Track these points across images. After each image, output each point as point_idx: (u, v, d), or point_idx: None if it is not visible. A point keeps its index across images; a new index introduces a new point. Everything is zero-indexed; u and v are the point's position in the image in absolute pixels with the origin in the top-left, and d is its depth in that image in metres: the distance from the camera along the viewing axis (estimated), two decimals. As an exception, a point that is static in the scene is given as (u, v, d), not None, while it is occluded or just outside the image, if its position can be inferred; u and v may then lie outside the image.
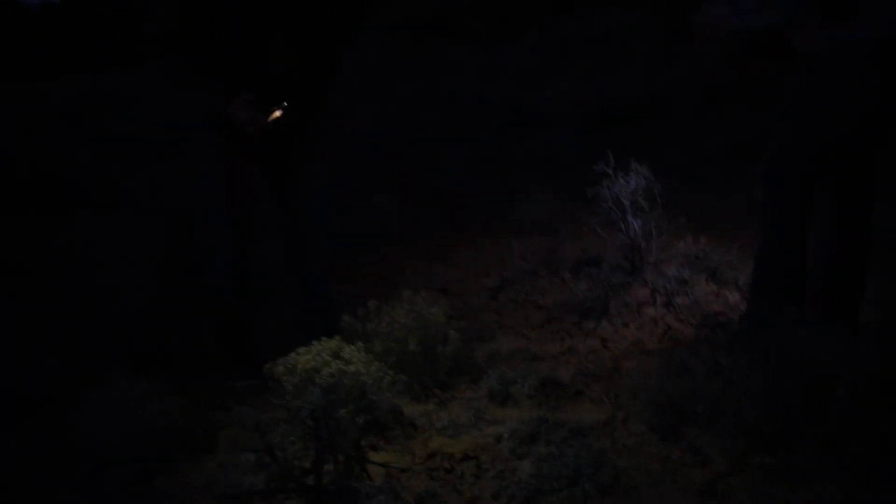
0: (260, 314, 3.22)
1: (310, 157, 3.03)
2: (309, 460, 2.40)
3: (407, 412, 2.72)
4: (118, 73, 6.41)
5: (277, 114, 2.78)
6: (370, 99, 6.05)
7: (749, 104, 5.28)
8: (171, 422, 2.64)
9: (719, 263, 3.52)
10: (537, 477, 2.31)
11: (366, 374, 2.56)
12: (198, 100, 2.89)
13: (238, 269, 3.05)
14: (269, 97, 2.79)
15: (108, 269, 3.56)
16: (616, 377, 2.91)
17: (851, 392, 2.43)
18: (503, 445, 2.51)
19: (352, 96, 5.89)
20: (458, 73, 5.97)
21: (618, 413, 2.65)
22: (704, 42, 4.54)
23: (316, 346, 2.67)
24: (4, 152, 4.60)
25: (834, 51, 2.64)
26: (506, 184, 4.80)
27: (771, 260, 2.90)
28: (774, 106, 2.89)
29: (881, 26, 2.59)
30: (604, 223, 3.58)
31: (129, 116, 5.89)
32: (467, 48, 6.56)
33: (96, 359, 2.97)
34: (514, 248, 4.06)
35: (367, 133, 5.51)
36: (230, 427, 2.66)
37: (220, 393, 2.87)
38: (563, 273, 3.76)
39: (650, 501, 2.22)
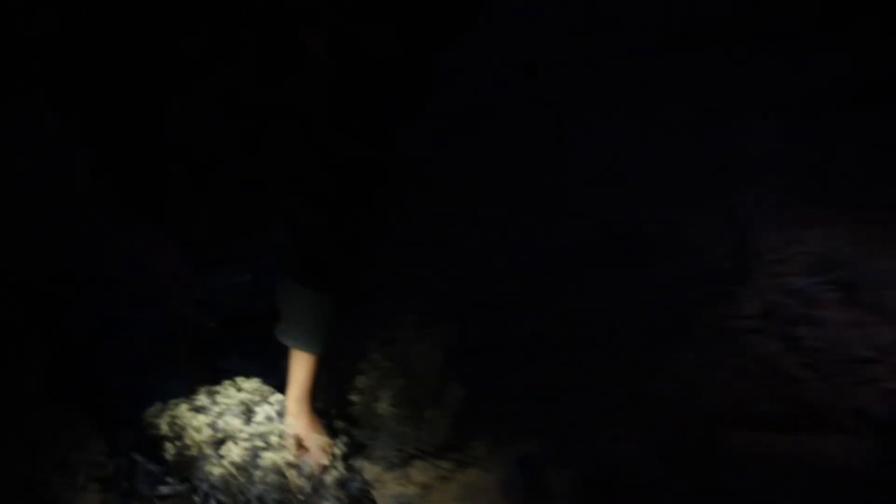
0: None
1: None
2: None
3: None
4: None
5: None
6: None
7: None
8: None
9: (864, 274, 2.38)
10: None
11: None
12: None
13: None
14: None
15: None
16: (711, 468, 1.84)
17: None
18: None
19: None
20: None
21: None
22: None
23: (225, 389, 1.62)
24: None
25: None
26: (559, 101, 3.56)
27: None
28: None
29: None
30: (694, 185, 2.45)
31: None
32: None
33: None
34: (559, 208, 2.90)
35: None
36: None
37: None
38: (627, 259, 2.61)
39: None
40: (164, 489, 1.55)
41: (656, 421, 2.01)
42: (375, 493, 1.74)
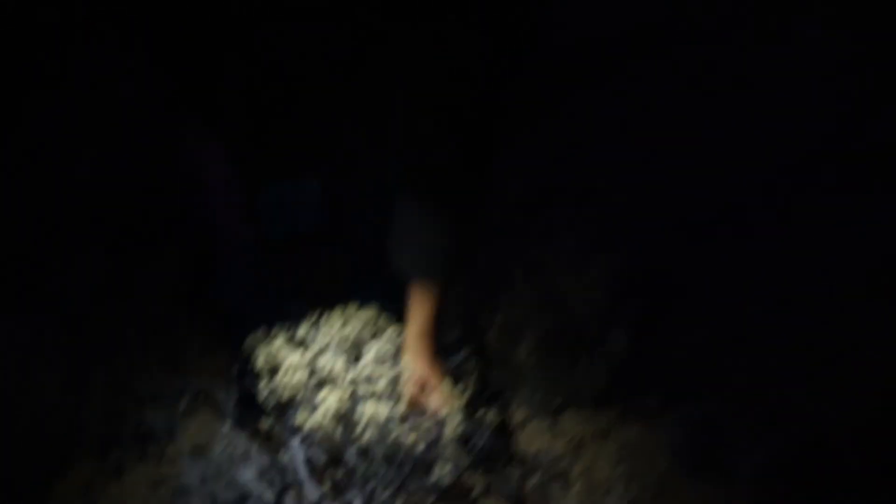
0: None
1: None
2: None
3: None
4: None
5: None
6: None
7: None
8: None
9: None
10: None
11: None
12: None
13: None
14: None
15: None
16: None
17: None
18: None
19: None
20: None
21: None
22: None
23: (332, 320, 1.40)
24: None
25: None
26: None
27: None
28: None
29: None
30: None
31: None
32: None
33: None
34: (763, 118, 2.45)
35: None
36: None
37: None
38: (849, 183, 2.16)
39: None
40: (265, 424, 1.37)
41: (873, 384, 1.63)
42: (516, 446, 1.48)
